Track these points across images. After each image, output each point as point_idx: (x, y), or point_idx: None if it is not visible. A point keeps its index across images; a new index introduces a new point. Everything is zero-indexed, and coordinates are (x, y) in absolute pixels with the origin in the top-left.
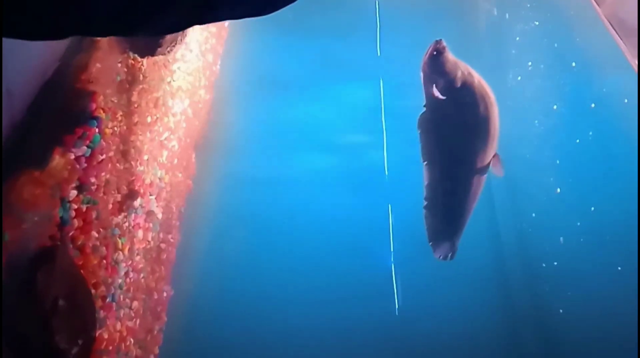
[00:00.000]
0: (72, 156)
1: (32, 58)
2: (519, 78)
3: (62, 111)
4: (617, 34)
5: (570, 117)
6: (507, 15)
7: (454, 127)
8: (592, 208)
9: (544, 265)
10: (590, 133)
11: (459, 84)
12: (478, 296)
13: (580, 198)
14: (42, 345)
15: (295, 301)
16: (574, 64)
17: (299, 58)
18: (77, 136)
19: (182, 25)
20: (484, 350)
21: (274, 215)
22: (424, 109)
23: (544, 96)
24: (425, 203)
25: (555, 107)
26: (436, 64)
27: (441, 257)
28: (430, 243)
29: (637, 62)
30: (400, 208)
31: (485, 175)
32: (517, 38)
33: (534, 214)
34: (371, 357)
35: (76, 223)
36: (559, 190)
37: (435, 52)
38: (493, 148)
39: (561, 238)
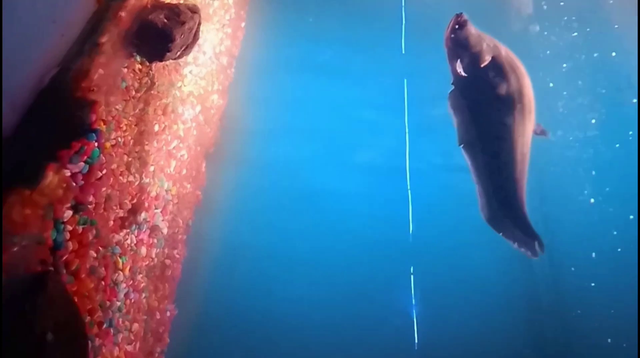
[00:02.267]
0: (68, 173)
1: (27, 63)
2: (551, 84)
3: (57, 123)
4: None
5: (609, 123)
6: (538, 26)
7: (487, 103)
8: (631, 216)
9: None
10: (631, 133)
11: (485, 57)
12: (504, 329)
13: (618, 206)
14: None
15: (307, 327)
16: (614, 54)
17: (319, 62)
18: (73, 150)
19: None
20: None
21: (289, 231)
22: (452, 87)
23: (582, 104)
24: (477, 190)
25: (593, 121)
26: (459, 38)
27: (530, 254)
28: (515, 244)
29: (637, 59)
30: (421, 229)
31: (529, 150)
32: (548, 51)
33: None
34: None
35: (71, 245)
36: (592, 201)
37: (457, 26)
38: (531, 120)
39: (593, 253)
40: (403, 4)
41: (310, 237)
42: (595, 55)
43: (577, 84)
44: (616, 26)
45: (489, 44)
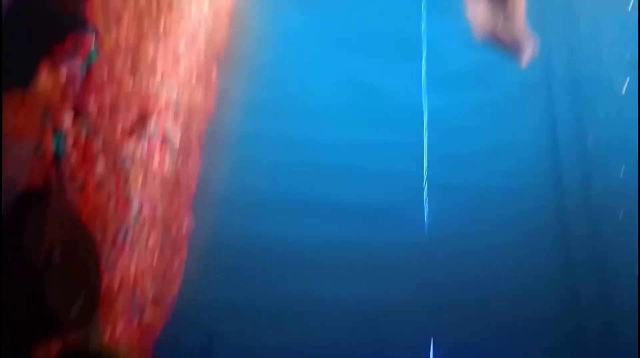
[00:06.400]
0: (64, 74)
1: None
2: None
3: (48, 17)
4: None
5: None
6: None
7: None
8: None
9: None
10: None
11: None
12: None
13: None
14: (33, 308)
15: (321, 234)
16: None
17: None
18: (68, 47)
19: None
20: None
21: (305, 146)
22: None
23: None
24: None
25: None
26: None
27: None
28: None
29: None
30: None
31: None
32: None
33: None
34: (396, 280)
35: (74, 156)
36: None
37: None
38: None
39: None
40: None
41: (322, 153)
42: None
43: None
44: None
45: None
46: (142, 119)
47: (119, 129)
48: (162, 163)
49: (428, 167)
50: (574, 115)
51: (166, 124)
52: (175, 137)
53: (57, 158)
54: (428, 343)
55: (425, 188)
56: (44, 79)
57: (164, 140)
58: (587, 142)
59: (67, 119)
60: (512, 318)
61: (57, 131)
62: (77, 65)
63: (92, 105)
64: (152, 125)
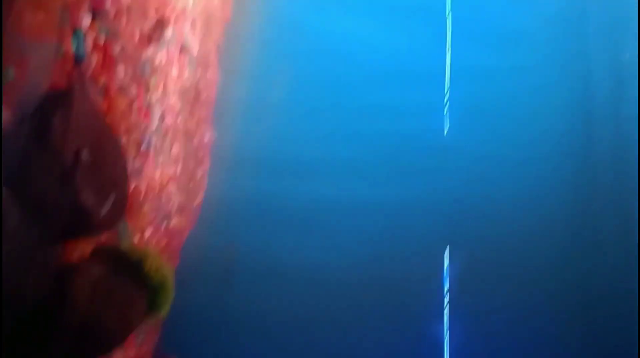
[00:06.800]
0: None
1: None
2: None
3: None
4: None
5: None
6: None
7: None
8: None
9: None
10: None
11: None
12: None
13: None
14: (65, 205)
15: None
16: None
17: None
18: None
19: None
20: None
21: (328, 54)
22: None
23: None
24: None
25: None
26: None
27: None
28: None
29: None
30: None
31: None
32: None
33: None
34: (413, 186)
35: (95, 58)
36: None
37: None
38: None
39: None
40: None
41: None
42: None
43: None
44: None
45: None
46: (160, 25)
47: (137, 35)
48: (181, 72)
49: (451, 73)
50: (609, 31)
51: (184, 32)
52: (194, 45)
53: (78, 59)
54: (443, 249)
55: (447, 92)
56: None
57: (183, 49)
58: (625, 56)
59: (86, 19)
60: (528, 226)
61: (76, 31)
62: None
63: (109, 5)
64: (170, 32)
